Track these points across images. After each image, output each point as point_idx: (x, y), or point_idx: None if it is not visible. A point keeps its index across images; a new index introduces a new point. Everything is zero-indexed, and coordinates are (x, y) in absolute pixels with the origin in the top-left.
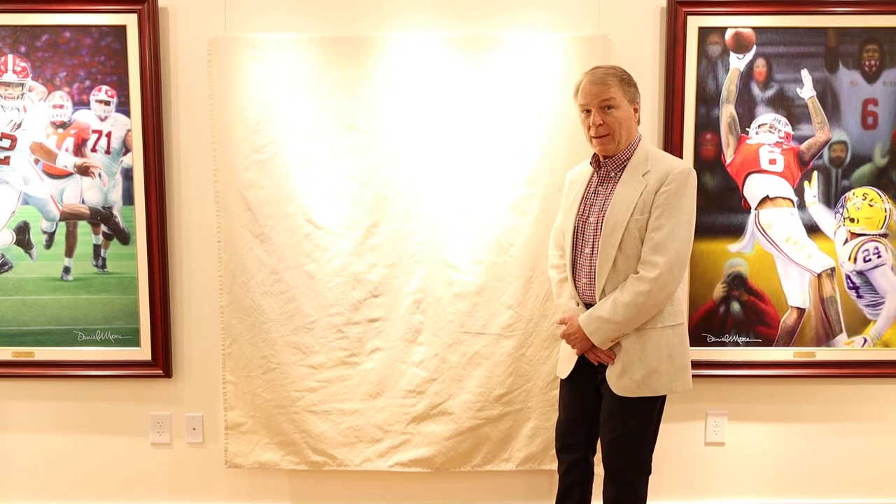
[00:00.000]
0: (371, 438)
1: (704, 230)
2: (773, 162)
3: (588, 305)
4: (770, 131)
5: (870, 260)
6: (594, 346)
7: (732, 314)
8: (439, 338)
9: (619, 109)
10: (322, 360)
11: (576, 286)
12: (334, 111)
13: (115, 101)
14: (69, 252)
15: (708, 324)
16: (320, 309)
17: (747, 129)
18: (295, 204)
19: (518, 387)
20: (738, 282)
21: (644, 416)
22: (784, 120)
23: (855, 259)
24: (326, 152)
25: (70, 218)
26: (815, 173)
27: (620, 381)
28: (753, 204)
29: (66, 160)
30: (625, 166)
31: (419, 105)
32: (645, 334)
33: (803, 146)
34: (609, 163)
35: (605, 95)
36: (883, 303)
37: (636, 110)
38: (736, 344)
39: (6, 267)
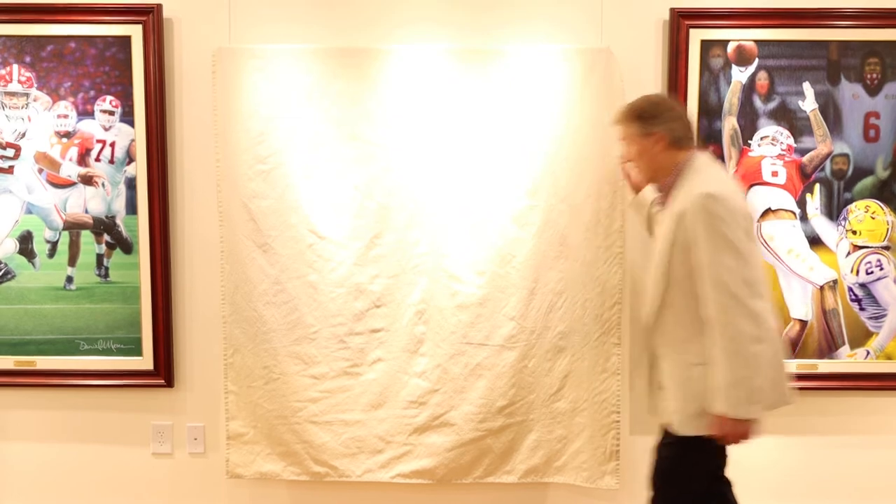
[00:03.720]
0: (373, 449)
1: None
2: (775, 174)
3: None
4: (772, 144)
5: (872, 272)
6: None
7: None
8: (441, 349)
9: (632, 146)
10: (324, 371)
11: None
12: (337, 122)
13: (119, 111)
14: (72, 261)
15: None
16: (322, 319)
17: (749, 141)
18: (298, 214)
19: (520, 398)
20: None
21: (676, 454)
22: (786, 132)
23: (857, 271)
24: (330, 163)
25: (73, 227)
26: (817, 186)
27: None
28: (756, 216)
29: (70, 170)
30: (673, 192)
31: (422, 116)
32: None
33: (805, 159)
34: (659, 190)
35: (621, 135)
36: (885, 315)
37: (659, 140)
38: None
39: (9, 276)
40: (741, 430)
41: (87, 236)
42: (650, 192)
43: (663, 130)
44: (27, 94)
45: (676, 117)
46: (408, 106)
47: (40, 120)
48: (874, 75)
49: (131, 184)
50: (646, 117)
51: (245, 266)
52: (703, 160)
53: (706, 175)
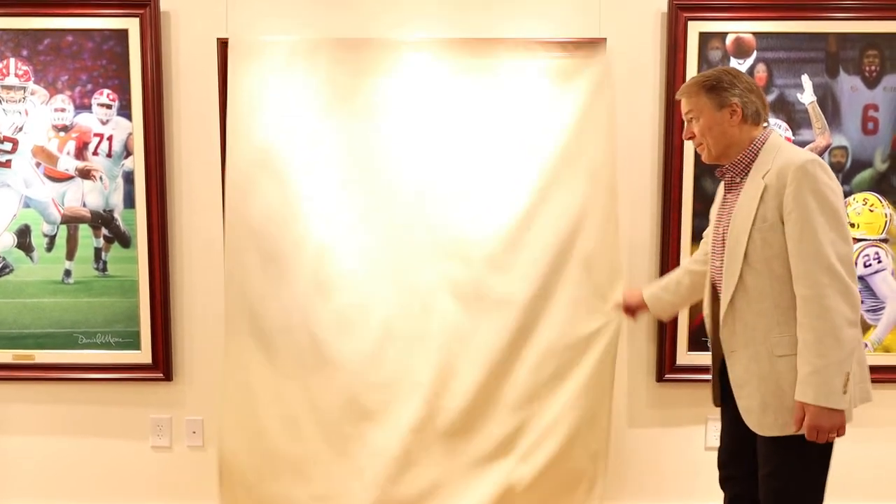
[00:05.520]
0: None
1: None
2: None
3: (714, 322)
4: None
5: (870, 265)
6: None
7: None
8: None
9: (701, 118)
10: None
11: (713, 302)
12: (336, 124)
13: (116, 104)
14: (70, 255)
15: None
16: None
17: None
18: (299, 224)
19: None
20: None
21: (797, 452)
22: (784, 125)
23: (855, 264)
24: (326, 167)
25: (71, 221)
26: None
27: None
28: None
29: (68, 163)
30: (749, 170)
31: (421, 122)
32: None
33: None
34: (729, 168)
35: (685, 109)
36: (883, 308)
37: (734, 112)
38: None
39: (7, 270)
40: (833, 423)
41: (85, 230)
42: (657, 293)
43: (739, 102)
44: (24, 88)
45: (752, 89)
46: (406, 102)
47: (37, 114)
48: (873, 67)
49: (129, 177)
50: (719, 88)
51: (243, 274)
52: (779, 137)
53: (793, 148)
